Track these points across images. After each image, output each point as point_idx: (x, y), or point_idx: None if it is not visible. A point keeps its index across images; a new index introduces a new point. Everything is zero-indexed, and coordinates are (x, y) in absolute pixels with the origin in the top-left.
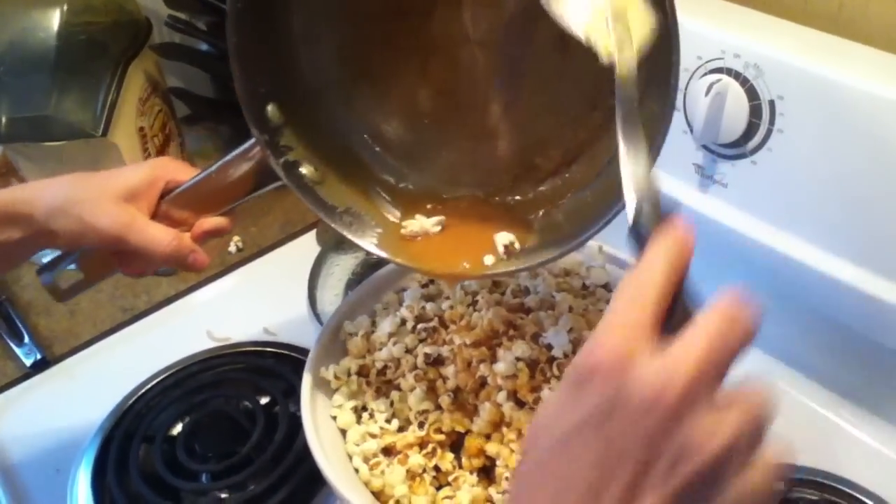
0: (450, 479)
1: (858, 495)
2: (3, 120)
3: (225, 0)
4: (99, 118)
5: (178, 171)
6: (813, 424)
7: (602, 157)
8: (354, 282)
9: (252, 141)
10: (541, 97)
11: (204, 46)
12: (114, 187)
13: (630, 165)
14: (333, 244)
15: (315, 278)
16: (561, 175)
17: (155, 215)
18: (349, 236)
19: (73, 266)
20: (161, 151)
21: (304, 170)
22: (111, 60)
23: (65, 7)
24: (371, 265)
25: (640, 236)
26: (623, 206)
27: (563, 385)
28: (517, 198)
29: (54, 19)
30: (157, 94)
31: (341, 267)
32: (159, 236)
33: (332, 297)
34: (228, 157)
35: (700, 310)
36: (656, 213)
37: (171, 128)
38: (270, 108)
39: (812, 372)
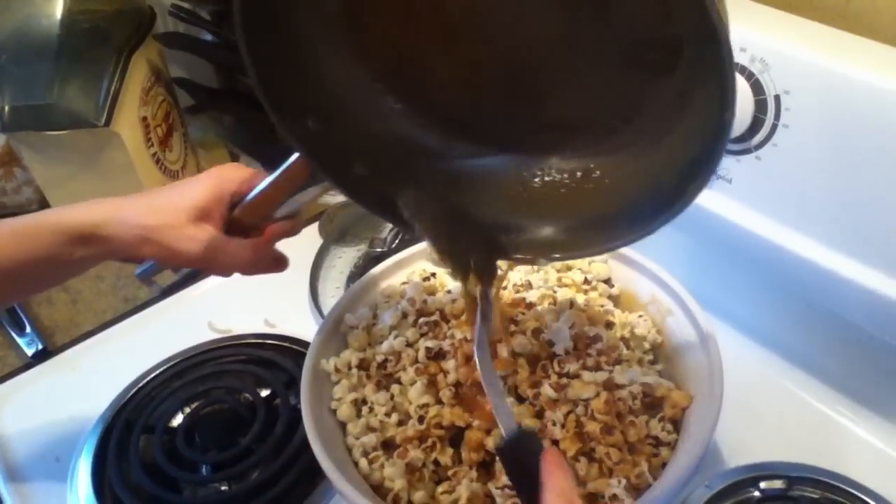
0: (449, 473)
1: (859, 493)
2: (6, 109)
3: None
4: (102, 107)
5: (240, 179)
6: (815, 422)
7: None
8: (356, 274)
9: None
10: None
11: (208, 36)
12: (186, 209)
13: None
14: (336, 236)
15: (317, 270)
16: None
17: (227, 227)
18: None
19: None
20: (164, 142)
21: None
22: (114, 49)
23: None
24: (373, 258)
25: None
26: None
27: None
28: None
29: (57, 7)
30: (160, 83)
31: (343, 259)
32: (240, 254)
33: (333, 289)
34: (290, 162)
35: None
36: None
37: (174, 117)
38: (310, 121)
39: (814, 369)
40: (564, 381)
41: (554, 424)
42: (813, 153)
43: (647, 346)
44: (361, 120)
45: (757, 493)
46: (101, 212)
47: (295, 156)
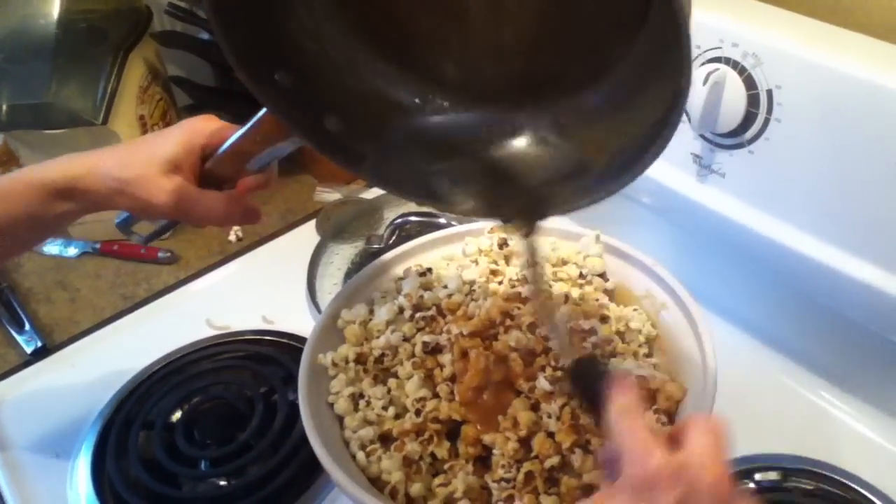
0: (445, 466)
1: (853, 484)
2: (4, 107)
3: None
4: (99, 106)
5: (210, 131)
6: (809, 414)
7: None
8: (353, 271)
9: None
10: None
11: (205, 35)
12: (158, 161)
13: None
14: (333, 234)
15: (314, 267)
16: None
17: (200, 179)
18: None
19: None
20: None
21: (329, 123)
22: (111, 48)
23: None
24: (370, 254)
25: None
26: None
27: (630, 491)
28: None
29: (55, 7)
30: (157, 82)
31: (340, 256)
32: (212, 205)
33: (330, 286)
34: (260, 116)
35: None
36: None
37: (172, 116)
38: (278, 75)
39: (808, 361)
40: (559, 374)
41: (549, 417)
42: (805, 147)
43: (641, 339)
44: (334, 74)
45: (752, 485)
46: (77, 166)
47: (264, 110)
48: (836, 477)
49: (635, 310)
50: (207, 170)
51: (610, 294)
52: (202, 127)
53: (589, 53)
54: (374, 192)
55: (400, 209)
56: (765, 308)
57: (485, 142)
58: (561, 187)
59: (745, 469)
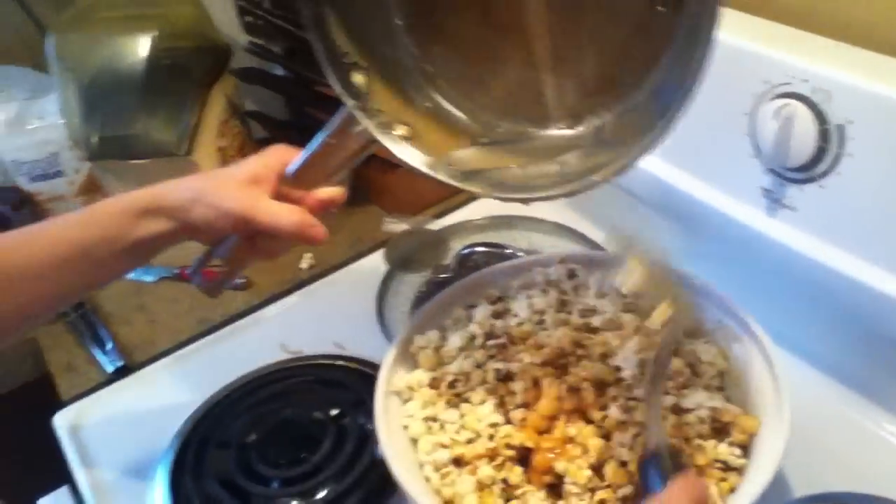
0: (517, 492)
1: None
2: (95, 139)
3: (299, 26)
4: (182, 138)
5: (291, 157)
6: (882, 452)
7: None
8: (421, 300)
9: (344, 110)
10: (592, 26)
11: (279, 70)
12: (237, 175)
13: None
14: (400, 263)
15: (383, 296)
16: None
17: (276, 196)
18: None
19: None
20: None
21: (398, 130)
22: (194, 83)
23: (155, 33)
24: (438, 283)
25: (658, 473)
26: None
27: None
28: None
29: (144, 45)
30: (235, 115)
31: (408, 285)
32: (282, 212)
33: (399, 314)
34: (328, 131)
35: None
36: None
37: (249, 149)
38: (356, 75)
39: (883, 399)
40: (632, 403)
41: (622, 446)
42: (878, 182)
43: (713, 371)
44: None
45: None
46: (163, 186)
47: (331, 126)
48: None
49: (707, 342)
50: (284, 192)
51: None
52: (281, 153)
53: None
54: (441, 223)
55: (467, 239)
56: (837, 344)
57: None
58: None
59: None
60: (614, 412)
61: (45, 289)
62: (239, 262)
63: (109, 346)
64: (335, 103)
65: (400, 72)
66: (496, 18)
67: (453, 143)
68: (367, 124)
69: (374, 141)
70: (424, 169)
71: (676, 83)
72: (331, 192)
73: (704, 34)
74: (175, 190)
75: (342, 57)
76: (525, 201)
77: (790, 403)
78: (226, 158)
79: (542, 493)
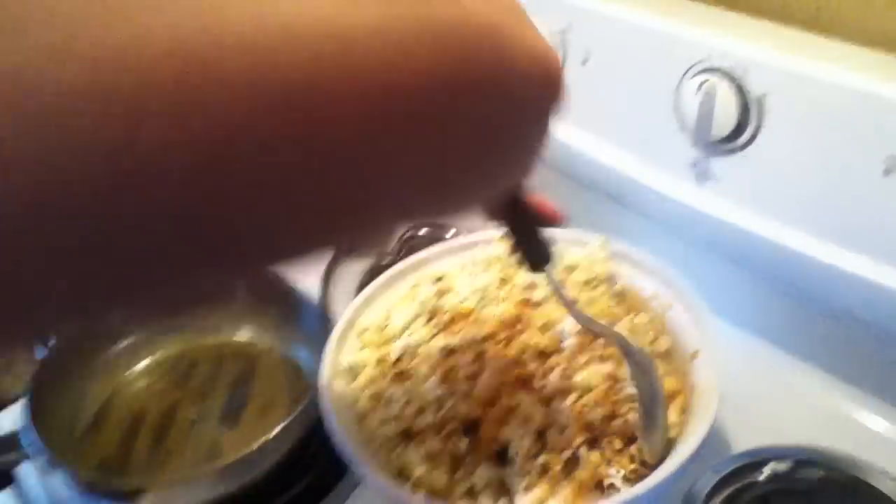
0: (465, 462)
1: (861, 472)
2: None
3: None
4: None
5: None
6: (816, 408)
7: None
8: (365, 285)
9: None
10: None
11: None
12: None
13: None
14: (344, 250)
15: (327, 284)
16: None
17: None
18: None
19: None
20: None
21: None
22: None
23: None
24: (381, 268)
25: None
26: None
27: None
28: None
29: None
30: None
31: (352, 272)
32: None
33: (344, 301)
34: None
35: None
36: None
37: None
38: None
39: (814, 358)
40: (570, 371)
41: (562, 412)
42: (794, 149)
43: (650, 336)
44: None
45: (763, 476)
46: None
47: None
48: (844, 466)
49: (643, 313)
50: None
51: (619, 297)
52: None
53: None
54: None
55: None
56: (765, 307)
57: None
58: None
59: (756, 461)
60: (555, 379)
61: None
62: None
63: None
64: None
65: None
66: None
67: None
68: None
69: None
70: None
71: None
72: None
73: None
74: None
75: None
76: None
77: (723, 362)
78: None
79: (488, 462)
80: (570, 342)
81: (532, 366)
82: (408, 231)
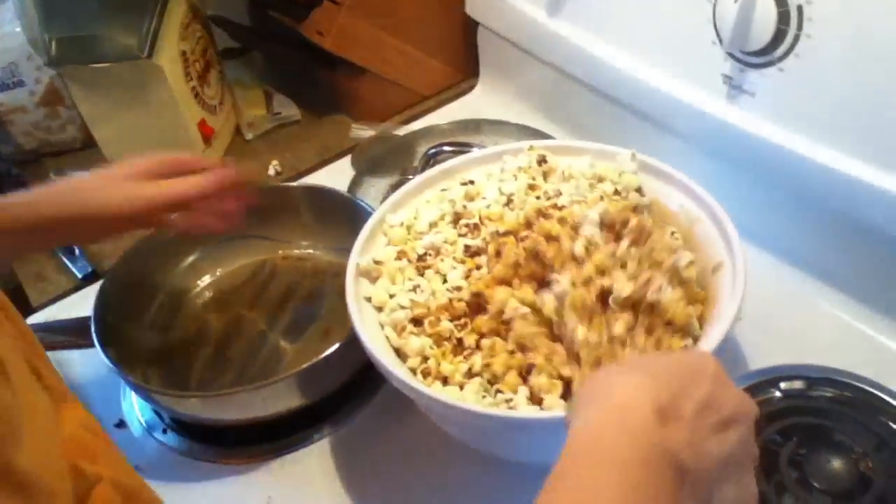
0: (483, 343)
1: (875, 391)
2: (54, 40)
3: None
4: (144, 40)
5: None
6: (834, 328)
7: None
8: None
9: None
10: None
11: None
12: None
13: None
14: (368, 168)
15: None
16: None
17: None
18: None
19: None
20: (202, 76)
21: None
22: None
23: None
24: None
25: None
26: None
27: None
28: None
29: None
30: (197, 20)
31: (376, 188)
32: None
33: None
34: None
35: None
36: None
37: (212, 54)
38: None
39: (839, 281)
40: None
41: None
42: (835, 62)
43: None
44: None
45: (778, 393)
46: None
47: None
48: (858, 384)
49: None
50: None
51: (646, 209)
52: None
53: None
54: (408, 129)
55: (434, 143)
56: (794, 227)
57: None
58: None
59: (771, 378)
60: (576, 246)
61: None
62: None
63: (78, 252)
64: (300, 7)
65: None
66: None
67: None
68: None
69: None
70: None
71: None
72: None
73: None
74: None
75: None
76: None
77: (747, 279)
78: (189, 63)
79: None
80: (589, 229)
81: (549, 259)
82: (433, 147)
